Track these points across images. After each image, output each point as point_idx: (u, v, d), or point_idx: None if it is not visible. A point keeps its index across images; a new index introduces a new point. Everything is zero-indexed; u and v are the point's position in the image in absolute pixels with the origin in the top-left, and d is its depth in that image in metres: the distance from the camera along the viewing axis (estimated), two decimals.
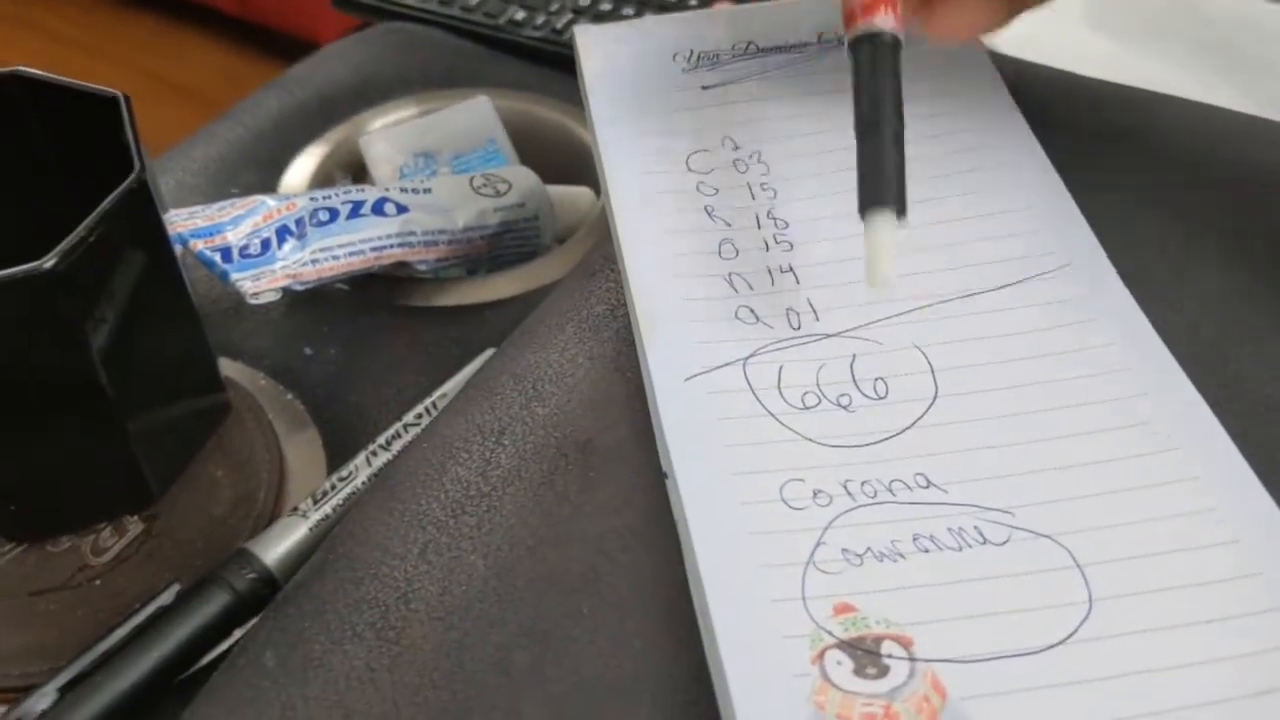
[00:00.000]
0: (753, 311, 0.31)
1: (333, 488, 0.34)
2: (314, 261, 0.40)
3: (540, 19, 0.56)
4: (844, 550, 0.25)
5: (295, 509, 0.34)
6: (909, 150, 0.34)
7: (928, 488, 0.27)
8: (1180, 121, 0.37)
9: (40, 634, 0.33)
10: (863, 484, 0.27)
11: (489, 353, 0.39)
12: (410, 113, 0.51)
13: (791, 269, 0.32)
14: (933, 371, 0.29)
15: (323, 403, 0.40)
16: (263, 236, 0.39)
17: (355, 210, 0.41)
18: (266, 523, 0.35)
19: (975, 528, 0.26)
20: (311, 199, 0.41)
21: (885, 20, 0.30)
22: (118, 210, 0.30)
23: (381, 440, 0.36)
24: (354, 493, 0.34)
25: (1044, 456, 0.27)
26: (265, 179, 0.49)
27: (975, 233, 0.32)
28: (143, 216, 0.31)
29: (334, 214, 0.40)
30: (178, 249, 0.34)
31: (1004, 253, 0.32)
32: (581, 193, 0.47)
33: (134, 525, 0.35)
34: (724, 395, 0.29)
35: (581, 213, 0.47)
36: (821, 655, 0.24)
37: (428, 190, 0.43)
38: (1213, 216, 0.34)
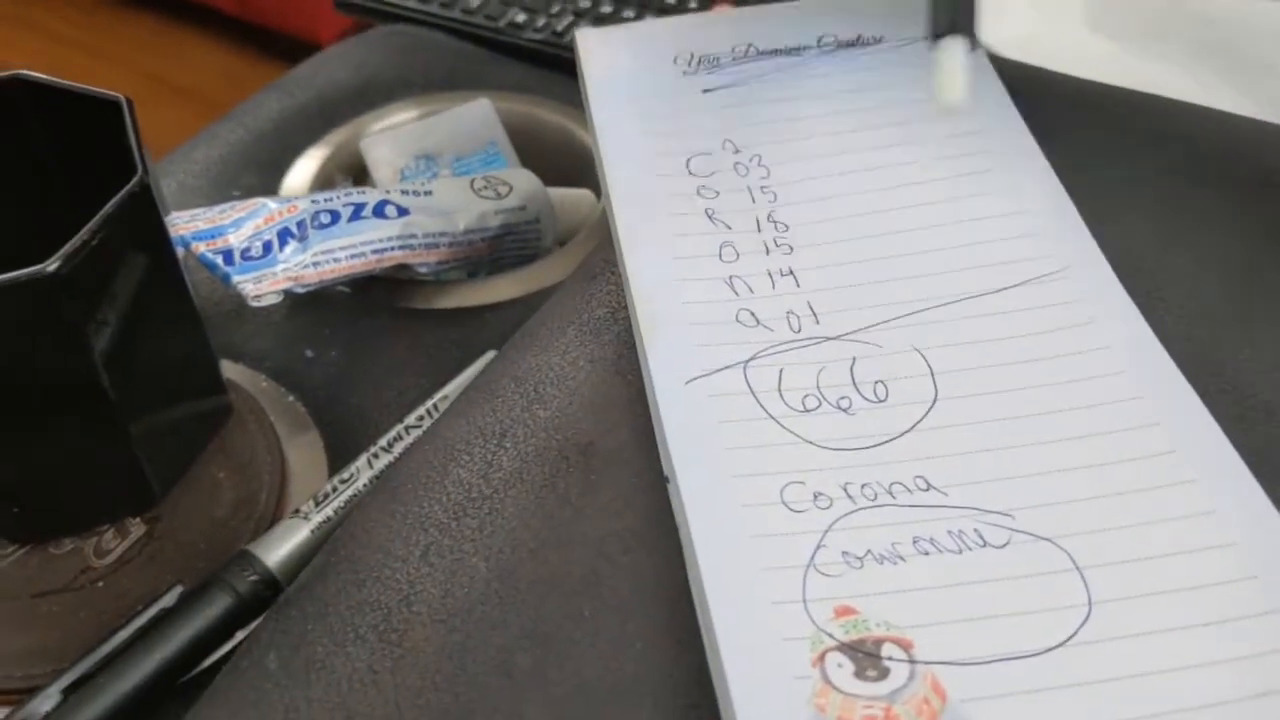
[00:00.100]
0: (753, 314, 0.31)
1: (334, 490, 0.34)
2: (315, 264, 0.40)
3: (541, 21, 0.56)
4: (844, 553, 0.26)
5: (297, 511, 0.34)
6: (907, 154, 0.35)
7: (928, 490, 0.27)
8: (1180, 124, 0.37)
9: (43, 636, 0.33)
10: (863, 487, 0.27)
11: (490, 355, 0.39)
12: (411, 115, 0.51)
13: (792, 272, 0.32)
14: (932, 374, 0.29)
15: (324, 405, 0.40)
16: (264, 239, 0.39)
17: (356, 213, 0.41)
18: (268, 524, 0.35)
19: (975, 530, 0.26)
20: (313, 201, 0.41)
21: None
22: (120, 214, 0.30)
23: (383, 442, 0.36)
24: (355, 495, 0.34)
25: (1043, 459, 0.27)
26: (266, 181, 0.49)
27: (974, 236, 0.32)
28: (145, 220, 0.32)
29: (335, 216, 0.41)
30: (179, 251, 0.34)
31: (1003, 256, 0.32)
32: (582, 195, 0.47)
33: (136, 527, 0.35)
34: (725, 398, 0.29)
35: (582, 215, 0.47)
36: (822, 657, 0.24)
37: (429, 193, 0.43)
38: (1213, 219, 0.34)
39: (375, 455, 0.35)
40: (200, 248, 0.38)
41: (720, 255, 0.32)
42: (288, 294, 0.40)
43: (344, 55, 0.57)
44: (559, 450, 0.29)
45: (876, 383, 0.29)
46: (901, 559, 0.25)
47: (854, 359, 0.30)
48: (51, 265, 0.28)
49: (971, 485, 0.27)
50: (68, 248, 0.29)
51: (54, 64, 1.72)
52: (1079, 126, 0.37)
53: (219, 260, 0.39)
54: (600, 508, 0.28)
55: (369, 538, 0.28)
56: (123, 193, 0.30)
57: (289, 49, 1.55)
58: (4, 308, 0.29)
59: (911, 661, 0.24)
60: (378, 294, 0.43)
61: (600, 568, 0.27)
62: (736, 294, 0.31)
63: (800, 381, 0.29)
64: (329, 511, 0.34)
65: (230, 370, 0.40)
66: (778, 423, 0.28)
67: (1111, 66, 0.37)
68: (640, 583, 0.26)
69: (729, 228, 0.33)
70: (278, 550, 0.32)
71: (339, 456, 0.38)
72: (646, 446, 0.29)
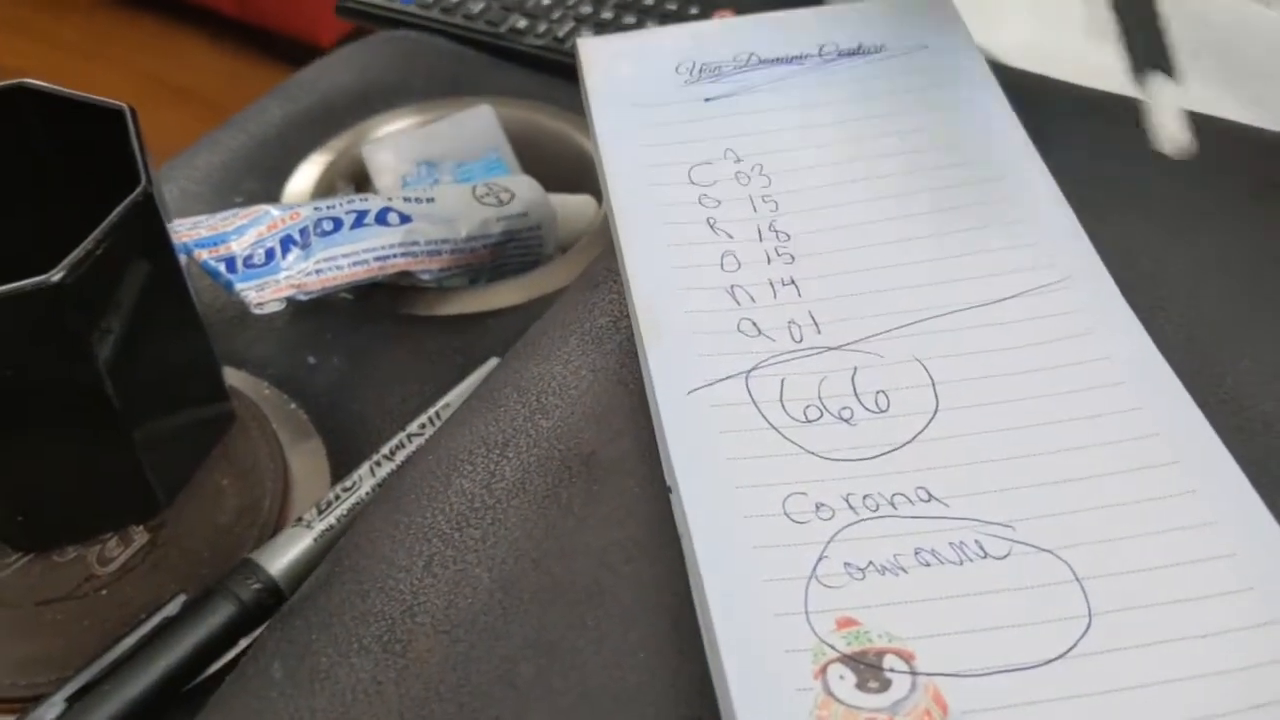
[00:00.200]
0: (755, 324, 0.31)
1: (337, 498, 0.34)
2: (318, 271, 0.40)
3: (542, 27, 0.56)
4: (846, 564, 0.26)
5: (300, 519, 0.34)
6: (906, 163, 0.35)
7: (929, 501, 0.27)
8: None
9: (47, 644, 0.33)
10: (864, 498, 0.27)
11: (492, 362, 0.39)
12: (413, 121, 0.51)
13: (793, 281, 0.32)
14: (933, 385, 0.29)
15: (326, 412, 0.40)
16: (267, 246, 0.39)
17: (359, 220, 0.41)
18: (271, 532, 0.35)
19: (976, 542, 0.26)
20: (315, 209, 0.41)
21: None
22: (124, 222, 0.30)
23: (385, 450, 0.36)
24: (358, 503, 0.34)
25: (1044, 470, 0.27)
26: (268, 187, 0.49)
27: (975, 246, 0.32)
28: (149, 228, 0.32)
29: (338, 224, 0.41)
30: (182, 259, 0.34)
31: (1003, 266, 0.32)
32: (584, 201, 0.47)
33: (140, 535, 0.35)
34: (726, 408, 0.29)
35: (584, 221, 0.47)
36: (824, 669, 0.24)
37: (431, 200, 0.43)
38: (1212, 227, 0.34)
39: (378, 463, 0.35)
40: (203, 255, 0.39)
41: (722, 264, 0.32)
42: (290, 301, 0.40)
43: (345, 61, 0.57)
44: (561, 460, 0.29)
45: (878, 393, 0.29)
46: (903, 570, 0.26)
47: (855, 369, 0.30)
48: (56, 275, 0.28)
49: (972, 496, 0.27)
50: (72, 257, 0.29)
51: (53, 66, 1.73)
52: (1079, 133, 0.37)
53: (221, 267, 0.39)
54: (603, 518, 0.28)
55: (373, 548, 0.29)
56: (127, 202, 0.30)
57: (289, 50, 1.55)
58: (9, 317, 0.29)
59: (913, 673, 0.24)
60: (380, 301, 0.43)
61: (603, 577, 0.27)
62: (738, 303, 0.31)
63: (802, 392, 0.29)
64: (332, 520, 0.34)
65: (233, 377, 0.40)
66: (779, 433, 0.28)
67: (1111, 74, 0.37)
68: (643, 592, 0.27)
69: (730, 237, 0.33)
70: (281, 558, 0.33)
71: (341, 464, 0.38)
72: (649, 456, 0.29)
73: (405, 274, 0.42)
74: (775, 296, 0.32)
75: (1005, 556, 0.26)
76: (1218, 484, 0.27)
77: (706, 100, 0.37)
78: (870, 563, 0.26)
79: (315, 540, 0.33)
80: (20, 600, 0.34)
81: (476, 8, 0.57)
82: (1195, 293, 0.32)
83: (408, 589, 0.27)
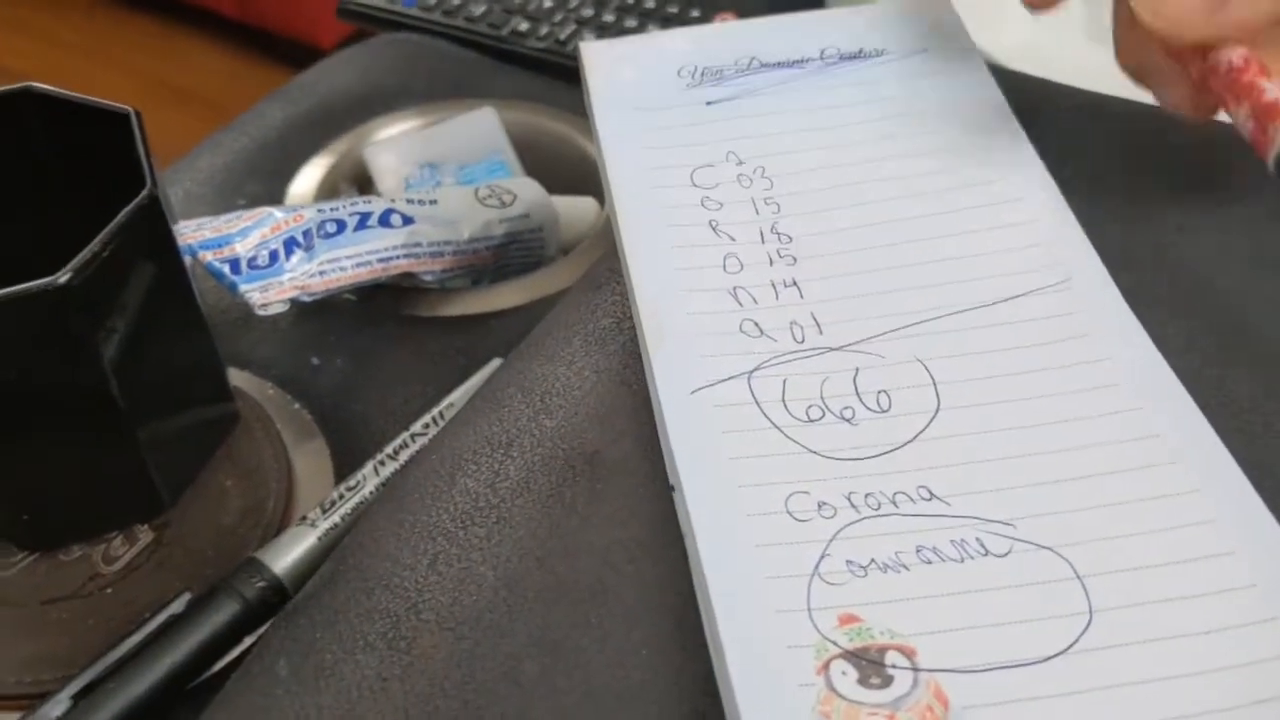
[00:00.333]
0: (757, 325, 0.31)
1: (341, 497, 0.35)
2: (321, 273, 0.40)
3: (544, 30, 0.56)
4: (848, 562, 0.26)
5: (304, 518, 0.34)
6: (909, 166, 0.35)
7: (930, 500, 0.27)
8: (1179, 134, 0.38)
9: (52, 642, 0.33)
10: (866, 496, 0.27)
11: (495, 362, 0.39)
12: (415, 124, 0.52)
13: (795, 283, 0.32)
14: (934, 385, 0.29)
15: (330, 412, 0.40)
16: (271, 248, 0.40)
17: (362, 222, 0.41)
18: (275, 531, 0.35)
19: (977, 539, 0.26)
20: (319, 211, 0.41)
21: None
22: (130, 225, 0.30)
23: (389, 450, 0.36)
24: (362, 502, 0.34)
25: (1044, 469, 0.27)
26: (271, 189, 0.49)
27: (975, 247, 0.33)
28: (154, 230, 0.32)
29: (341, 226, 0.41)
30: (187, 260, 0.34)
31: (1004, 267, 0.32)
32: (586, 203, 0.48)
33: (144, 534, 0.35)
34: (729, 408, 0.29)
35: (586, 223, 0.47)
36: (826, 665, 0.24)
37: (433, 202, 0.43)
38: (1212, 230, 0.34)
39: (381, 463, 0.36)
40: (207, 257, 0.39)
41: (724, 266, 0.33)
42: (294, 302, 0.40)
43: (348, 63, 0.57)
44: (565, 459, 0.29)
45: (879, 393, 0.29)
46: (905, 568, 0.26)
47: (857, 369, 0.30)
48: (63, 277, 0.29)
49: (973, 494, 0.27)
50: (78, 259, 0.29)
51: (52, 66, 1.73)
52: (1079, 135, 0.37)
53: (226, 269, 0.39)
54: (606, 517, 0.28)
55: (377, 547, 0.29)
56: (133, 204, 0.30)
57: (290, 52, 1.55)
58: (15, 319, 0.29)
59: (915, 669, 0.24)
60: (383, 302, 0.44)
61: (606, 576, 0.27)
62: (740, 305, 0.32)
63: (804, 392, 0.29)
64: (336, 519, 0.34)
65: (237, 378, 0.40)
66: (782, 433, 0.29)
67: (1112, 76, 0.37)
68: (646, 591, 0.27)
69: (733, 239, 0.33)
70: (285, 557, 0.33)
71: (345, 464, 0.38)
72: (652, 456, 0.29)
73: (408, 275, 0.42)
74: (777, 298, 0.32)
75: (1006, 554, 0.26)
76: (1218, 483, 0.27)
77: (708, 103, 0.37)
78: (872, 560, 0.26)
79: (319, 539, 0.33)
80: (26, 599, 0.34)
81: (478, 10, 0.57)
82: (1195, 293, 0.32)
83: (412, 587, 0.27)
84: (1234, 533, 0.26)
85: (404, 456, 0.36)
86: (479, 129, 0.50)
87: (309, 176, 0.49)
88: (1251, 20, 0.30)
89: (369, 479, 0.35)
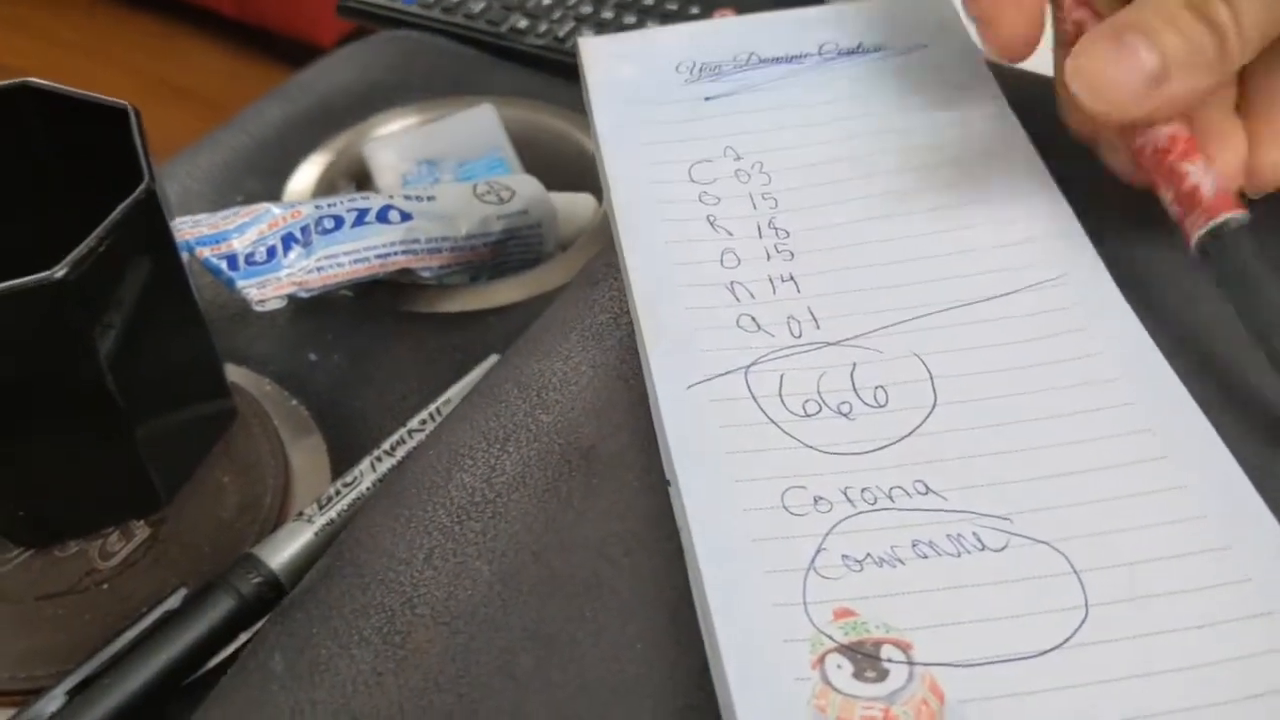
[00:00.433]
0: (754, 320, 0.31)
1: (337, 493, 0.35)
2: (319, 269, 0.40)
3: (542, 27, 0.56)
4: (844, 556, 0.26)
5: (300, 514, 0.34)
6: (906, 160, 0.35)
7: (926, 494, 0.27)
8: None
9: (48, 638, 0.33)
10: (863, 491, 0.27)
11: (493, 359, 0.39)
12: (414, 120, 0.52)
13: (792, 278, 0.32)
14: (931, 379, 0.29)
15: (327, 408, 0.40)
16: (268, 244, 0.40)
17: (360, 218, 0.41)
18: (272, 527, 0.35)
19: (973, 534, 0.26)
20: (316, 206, 0.41)
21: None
22: (127, 220, 0.30)
23: (386, 446, 0.36)
24: (359, 498, 0.34)
25: (1041, 464, 0.27)
26: (270, 186, 0.49)
27: (973, 242, 0.33)
28: (151, 225, 0.32)
29: (339, 222, 0.41)
30: (184, 256, 0.34)
31: (1002, 262, 0.32)
32: (584, 199, 0.48)
33: (141, 530, 0.35)
34: (726, 403, 0.29)
35: (584, 219, 0.47)
36: (822, 659, 0.24)
37: (432, 198, 0.43)
38: None
39: (378, 459, 0.36)
40: (205, 253, 0.39)
41: (721, 261, 0.33)
42: (291, 298, 0.40)
43: (346, 60, 0.57)
44: (561, 454, 0.29)
45: (876, 388, 0.29)
46: (901, 562, 0.26)
47: (854, 364, 0.30)
48: (60, 271, 0.29)
49: (970, 489, 0.27)
50: (75, 254, 0.29)
51: (52, 64, 1.73)
52: None
53: (223, 265, 0.39)
54: (602, 511, 0.28)
55: (373, 541, 0.29)
56: (130, 200, 0.30)
57: (289, 50, 1.55)
58: (12, 314, 0.29)
59: (910, 663, 0.24)
60: (381, 298, 0.44)
61: (602, 570, 0.27)
62: (738, 299, 0.32)
63: (801, 386, 0.29)
64: (332, 515, 0.34)
65: (234, 374, 0.40)
66: (779, 427, 0.29)
67: None
68: (641, 585, 0.27)
69: (730, 234, 0.33)
70: (281, 553, 0.33)
71: (342, 460, 0.38)
72: (648, 450, 0.29)
73: (406, 271, 0.42)
74: (775, 292, 0.32)
75: (1002, 549, 0.26)
76: (1215, 479, 0.27)
77: (706, 99, 0.37)
78: (868, 555, 0.26)
79: (316, 535, 0.33)
80: (21, 595, 0.34)
81: (477, 7, 0.57)
82: (1194, 291, 0.32)
83: (408, 581, 0.27)
84: (1231, 528, 0.26)
85: (401, 453, 0.36)
86: (478, 126, 0.50)
87: (307, 173, 0.49)
88: (1188, 96, 0.29)
89: (366, 475, 0.35)
